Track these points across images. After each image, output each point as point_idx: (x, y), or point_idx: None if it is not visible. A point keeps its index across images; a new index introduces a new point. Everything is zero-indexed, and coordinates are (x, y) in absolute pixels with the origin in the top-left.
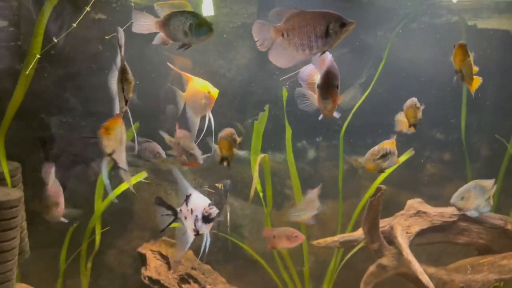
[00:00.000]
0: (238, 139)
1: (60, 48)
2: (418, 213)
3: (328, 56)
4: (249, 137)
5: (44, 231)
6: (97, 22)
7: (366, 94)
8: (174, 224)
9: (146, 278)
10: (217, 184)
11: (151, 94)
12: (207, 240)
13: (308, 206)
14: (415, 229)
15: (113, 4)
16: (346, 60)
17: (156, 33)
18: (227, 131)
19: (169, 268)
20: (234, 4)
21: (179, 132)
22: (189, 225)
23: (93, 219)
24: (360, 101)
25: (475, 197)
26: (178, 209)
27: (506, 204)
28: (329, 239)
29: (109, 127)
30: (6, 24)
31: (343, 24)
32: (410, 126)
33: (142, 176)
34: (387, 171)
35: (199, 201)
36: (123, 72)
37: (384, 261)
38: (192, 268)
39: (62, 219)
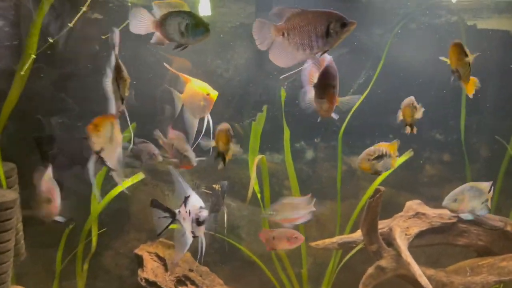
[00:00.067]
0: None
1: (56, 48)
2: (417, 215)
3: (328, 56)
4: (247, 137)
5: (40, 233)
6: (93, 22)
7: (364, 94)
8: (172, 226)
9: (143, 280)
10: (214, 185)
11: (147, 94)
12: (201, 243)
13: (284, 208)
14: (414, 230)
15: (109, 4)
16: (344, 60)
17: (153, 34)
18: (225, 125)
19: (166, 270)
20: (233, 4)
21: (172, 133)
22: (187, 227)
23: (89, 220)
24: (359, 102)
25: (470, 199)
26: (177, 211)
27: (506, 205)
28: (327, 241)
29: (98, 124)
30: (6, 24)
31: (344, 24)
32: (406, 125)
33: (139, 177)
34: (384, 174)
35: (196, 203)
36: (118, 70)
37: (383, 263)
38: (190, 270)
39: (57, 218)
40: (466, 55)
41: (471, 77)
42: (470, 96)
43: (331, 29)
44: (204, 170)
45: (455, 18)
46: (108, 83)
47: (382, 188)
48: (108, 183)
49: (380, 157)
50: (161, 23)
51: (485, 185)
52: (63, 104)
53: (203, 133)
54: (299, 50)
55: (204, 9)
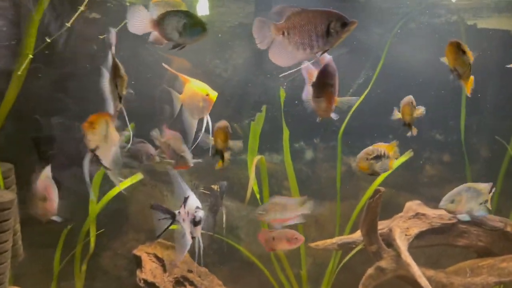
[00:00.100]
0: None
1: (54, 48)
2: (417, 215)
3: (327, 56)
4: (246, 138)
5: (38, 233)
6: (92, 22)
7: (364, 94)
8: (172, 227)
9: (141, 281)
10: (213, 186)
11: (146, 94)
12: (198, 243)
13: (273, 208)
14: (414, 231)
15: (108, 4)
16: (344, 60)
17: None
18: (223, 123)
19: (165, 270)
20: (232, 3)
21: (169, 134)
22: (187, 227)
23: (87, 221)
24: (358, 102)
25: (467, 200)
26: (177, 212)
27: (506, 206)
28: (327, 241)
29: (93, 121)
30: (5, 23)
31: (344, 24)
32: (404, 124)
33: (137, 177)
34: (383, 175)
35: (192, 203)
36: (115, 68)
37: (382, 263)
38: (188, 271)
39: (54, 218)
40: (465, 54)
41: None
42: (468, 95)
43: (331, 28)
44: (203, 170)
45: (455, 18)
46: (105, 82)
47: (382, 188)
48: (107, 183)
49: (378, 157)
50: (159, 23)
51: (483, 186)
52: (61, 104)
53: (201, 134)
54: (299, 49)
55: (202, 9)
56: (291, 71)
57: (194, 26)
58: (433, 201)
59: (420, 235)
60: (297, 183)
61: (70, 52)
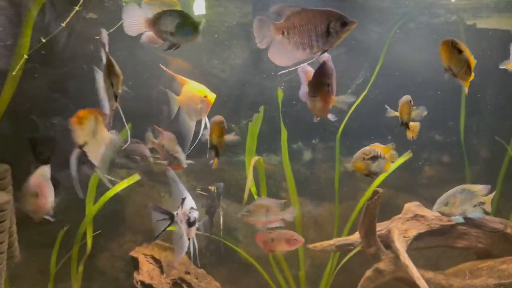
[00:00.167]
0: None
1: (50, 48)
2: (416, 217)
3: (325, 54)
4: (244, 138)
5: (35, 234)
6: (89, 22)
7: (363, 95)
8: (170, 228)
9: (138, 283)
10: (210, 187)
11: (144, 94)
12: (193, 244)
13: (258, 209)
14: (413, 233)
15: (105, 4)
16: (342, 60)
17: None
18: (218, 118)
19: (162, 272)
20: (229, 3)
21: (163, 134)
22: (184, 228)
23: (84, 222)
24: (357, 102)
25: (461, 202)
26: (175, 213)
27: (506, 208)
28: (325, 243)
29: (82, 116)
30: (5, 23)
31: (344, 23)
32: (402, 124)
33: (134, 178)
34: (381, 177)
35: (187, 204)
36: (109, 66)
37: (381, 265)
38: (186, 272)
39: (47, 217)
40: (461, 52)
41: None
42: (466, 91)
43: (331, 28)
44: (201, 171)
45: (454, 18)
46: (100, 81)
47: (380, 190)
48: (104, 184)
49: (375, 158)
50: (155, 22)
51: (478, 188)
52: (58, 105)
53: (200, 135)
54: (299, 49)
55: (199, 8)
56: (290, 69)
57: (187, 26)
58: (432, 203)
59: (419, 237)
60: (295, 184)
61: (66, 52)
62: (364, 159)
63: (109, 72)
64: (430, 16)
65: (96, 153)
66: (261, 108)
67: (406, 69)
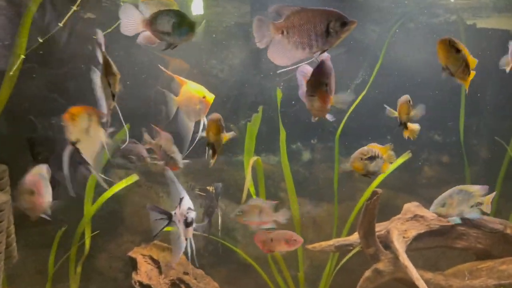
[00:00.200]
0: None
1: (48, 48)
2: (415, 217)
3: (325, 53)
4: (242, 139)
5: (33, 235)
6: (86, 22)
7: (362, 95)
8: (168, 228)
9: (137, 283)
10: (208, 187)
11: (143, 94)
12: (190, 244)
13: (251, 209)
14: (412, 233)
15: (103, 3)
16: (341, 60)
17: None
18: (215, 115)
19: (160, 272)
20: (227, 3)
21: (162, 135)
22: (181, 228)
23: (82, 222)
24: (356, 102)
25: (458, 203)
26: (173, 213)
27: (506, 208)
28: (324, 243)
29: (74, 113)
30: (6, 22)
31: (344, 23)
32: (400, 124)
33: (133, 179)
34: (380, 177)
35: (185, 204)
36: (106, 66)
37: (380, 266)
38: (184, 273)
39: (44, 216)
40: (457, 51)
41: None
42: (467, 89)
43: (330, 28)
44: (199, 172)
45: (454, 17)
46: (97, 81)
47: (379, 190)
48: (100, 186)
49: (372, 158)
50: (152, 22)
51: (476, 188)
52: (55, 105)
53: (198, 136)
54: (298, 49)
55: (197, 8)
56: (289, 68)
57: (182, 25)
58: (431, 203)
59: (418, 237)
60: (294, 184)
61: (64, 52)
62: (362, 159)
63: (106, 71)
64: (430, 16)
65: (90, 151)
66: (260, 108)
67: (405, 69)
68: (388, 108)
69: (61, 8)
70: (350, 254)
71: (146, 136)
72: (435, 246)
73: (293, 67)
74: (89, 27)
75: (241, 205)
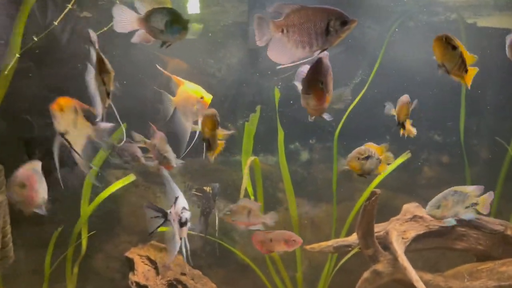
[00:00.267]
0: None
1: (44, 47)
2: (415, 218)
3: (324, 53)
4: (240, 138)
5: (29, 235)
6: (83, 20)
7: (361, 94)
8: (163, 228)
9: (134, 284)
10: (205, 187)
11: (140, 94)
12: (184, 244)
13: (240, 210)
14: (411, 234)
15: (99, 2)
16: (340, 59)
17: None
18: (211, 110)
19: (158, 273)
20: (226, 2)
21: (157, 134)
22: (176, 228)
23: (79, 222)
24: (355, 102)
25: (453, 204)
26: (168, 211)
27: (507, 209)
28: (322, 244)
29: (62, 103)
30: (6, 21)
31: (344, 22)
32: (399, 124)
33: (130, 179)
34: (379, 177)
35: (179, 204)
36: (100, 63)
37: (379, 267)
38: (182, 274)
39: (38, 210)
40: (454, 48)
41: (472, 67)
42: (468, 86)
43: (330, 27)
44: (197, 172)
45: (454, 16)
46: (91, 79)
47: (378, 191)
48: (100, 184)
49: (369, 157)
50: (146, 20)
51: (471, 189)
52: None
53: (196, 137)
54: (298, 47)
55: (193, 7)
56: (290, 64)
57: (175, 24)
58: None
59: (417, 238)
60: (292, 185)
61: (61, 51)
62: (359, 158)
63: (100, 69)
64: (430, 14)
65: (78, 144)
66: (258, 108)
67: (405, 68)
68: (388, 106)
69: (60, 8)
70: (349, 255)
71: (137, 136)
72: (434, 247)
73: (294, 63)
74: (86, 26)
75: (231, 204)
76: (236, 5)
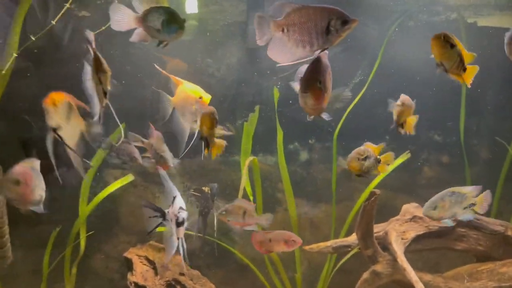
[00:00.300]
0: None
1: (42, 47)
2: (414, 218)
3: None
4: (239, 138)
5: (27, 235)
6: (81, 20)
7: (360, 94)
8: (161, 229)
9: (132, 284)
10: (203, 188)
11: (139, 93)
12: (181, 244)
13: (235, 210)
14: (411, 234)
15: (97, 1)
16: (339, 59)
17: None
18: (209, 108)
19: (156, 273)
20: (224, 1)
21: (154, 133)
22: (173, 228)
23: (77, 222)
24: (355, 102)
25: (451, 205)
26: (166, 211)
27: (507, 210)
28: (321, 244)
29: (55, 98)
30: (7, 20)
31: (345, 22)
32: (398, 125)
33: (128, 179)
34: (378, 178)
35: (176, 203)
36: (97, 63)
37: (378, 268)
38: (180, 274)
39: (34, 208)
40: (452, 46)
41: (471, 66)
42: (468, 84)
43: (331, 26)
44: (195, 172)
45: (455, 16)
46: (88, 79)
47: (377, 191)
48: (97, 184)
49: (368, 158)
50: (143, 19)
51: (469, 189)
52: None
53: (195, 138)
54: (299, 46)
55: (191, 7)
56: (289, 63)
57: (171, 23)
58: None
59: (417, 239)
60: (291, 185)
61: (59, 51)
62: (358, 159)
63: (97, 68)
64: (430, 14)
65: (71, 139)
66: (257, 108)
67: (405, 68)
68: (393, 102)
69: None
70: (348, 256)
71: (135, 136)
72: (434, 248)
73: (294, 62)
74: (84, 25)
75: (227, 204)
76: (235, 4)
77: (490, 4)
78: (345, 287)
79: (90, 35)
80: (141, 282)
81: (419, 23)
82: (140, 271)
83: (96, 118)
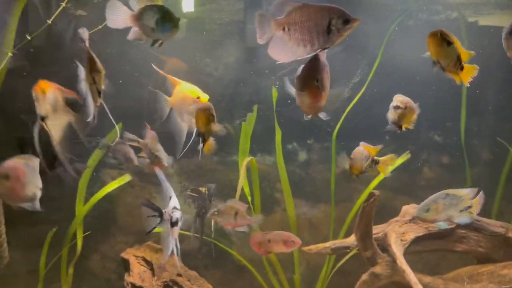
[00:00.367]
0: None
1: (39, 46)
2: (414, 220)
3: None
4: (237, 138)
5: (24, 235)
6: (78, 19)
7: (360, 94)
8: (157, 229)
9: (129, 285)
10: (201, 188)
11: (136, 93)
12: (175, 244)
13: (227, 210)
14: (410, 236)
15: (94, 0)
16: (339, 58)
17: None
18: (205, 104)
19: (153, 274)
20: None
21: (149, 133)
22: (168, 227)
23: (74, 223)
24: (354, 102)
25: (444, 208)
26: (164, 211)
27: (508, 211)
28: (320, 246)
29: (43, 86)
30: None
31: (346, 21)
32: (397, 126)
33: (125, 179)
34: (378, 178)
35: (171, 203)
36: (91, 62)
37: (377, 269)
38: (178, 275)
39: (25, 205)
40: (449, 44)
41: (470, 65)
42: (467, 84)
43: (332, 25)
44: (193, 172)
45: (455, 15)
46: (82, 79)
47: (376, 192)
48: (94, 184)
49: (368, 158)
50: (139, 17)
51: (465, 192)
52: None
53: (193, 138)
54: (300, 46)
55: (187, 6)
56: (289, 61)
57: (165, 21)
58: None
59: (416, 240)
60: (290, 185)
61: (56, 50)
62: (362, 160)
63: (91, 68)
64: (430, 13)
65: (56, 130)
66: (255, 108)
67: (405, 68)
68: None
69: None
70: (347, 257)
71: (130, 136)
72: (434, 250)
73: (291, 60)
74: (80, 24)
75: (220, 204)
76: (232, 3)
77: (490, 2)
78: None
79: (84, 33)
80: (138, 282)
81: (419, 22)
82: (137, 272)
83: (90, 118)
